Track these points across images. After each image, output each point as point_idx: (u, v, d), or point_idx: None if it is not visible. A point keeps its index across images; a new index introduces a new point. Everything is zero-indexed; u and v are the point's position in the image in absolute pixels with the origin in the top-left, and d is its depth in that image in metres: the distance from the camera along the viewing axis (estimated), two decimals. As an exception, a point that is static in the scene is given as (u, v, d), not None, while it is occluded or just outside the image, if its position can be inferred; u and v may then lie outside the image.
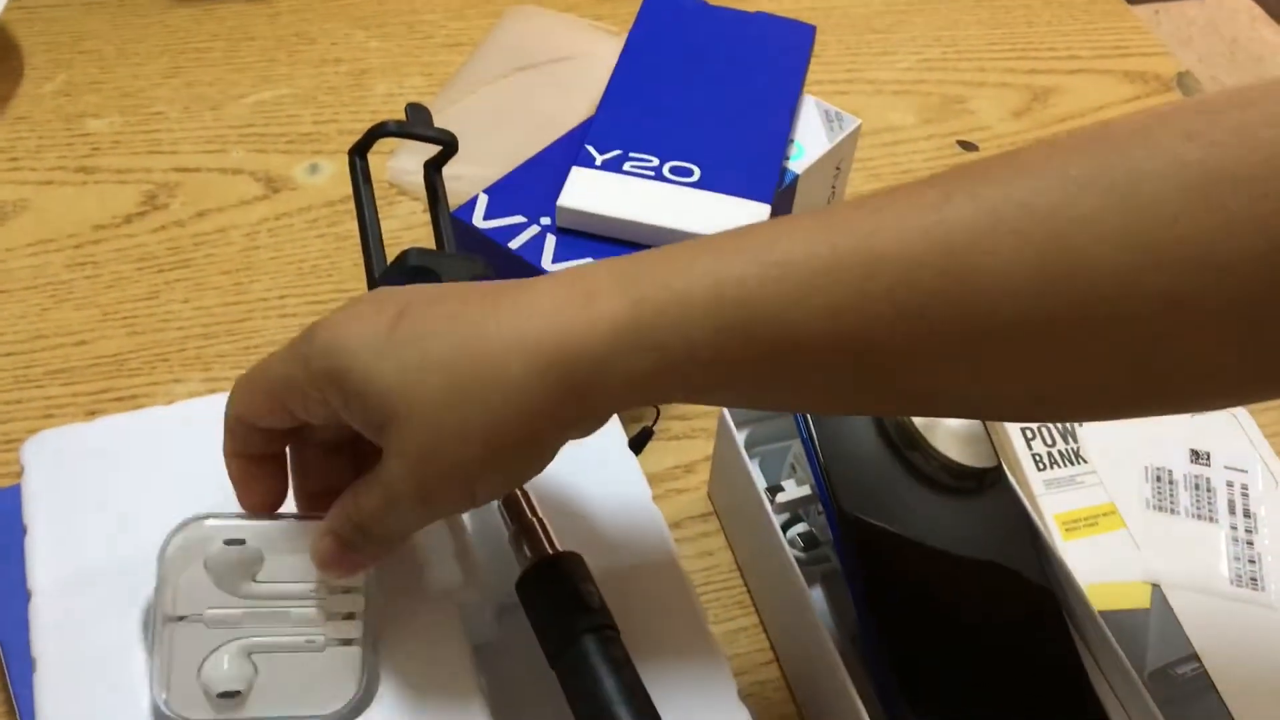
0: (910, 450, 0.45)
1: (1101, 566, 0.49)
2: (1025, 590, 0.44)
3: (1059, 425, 0.53)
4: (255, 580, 0.37)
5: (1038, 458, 0.52)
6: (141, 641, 0.37)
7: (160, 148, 0.65)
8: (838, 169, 0.62)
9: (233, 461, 0.38)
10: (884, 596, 0.42)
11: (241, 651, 0.37)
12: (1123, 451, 0.53)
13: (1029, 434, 0.53)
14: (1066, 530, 0.50)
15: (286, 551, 0.38)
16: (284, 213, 0.62)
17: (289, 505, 0.39)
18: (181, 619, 0.36)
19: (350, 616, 0.38)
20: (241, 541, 0.37)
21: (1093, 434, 0.53)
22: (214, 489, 0.41)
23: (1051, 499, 0.51)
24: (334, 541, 0.36)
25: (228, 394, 0.37)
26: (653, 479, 0.52)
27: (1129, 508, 0.51)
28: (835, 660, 0.41)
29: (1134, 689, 0.41)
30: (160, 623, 0.36)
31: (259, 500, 0.38)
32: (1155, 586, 0.48)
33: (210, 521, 0.38)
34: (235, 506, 0.40)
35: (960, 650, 0.42)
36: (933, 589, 0.43)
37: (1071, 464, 0.52)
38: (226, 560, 0.37)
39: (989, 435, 0.47)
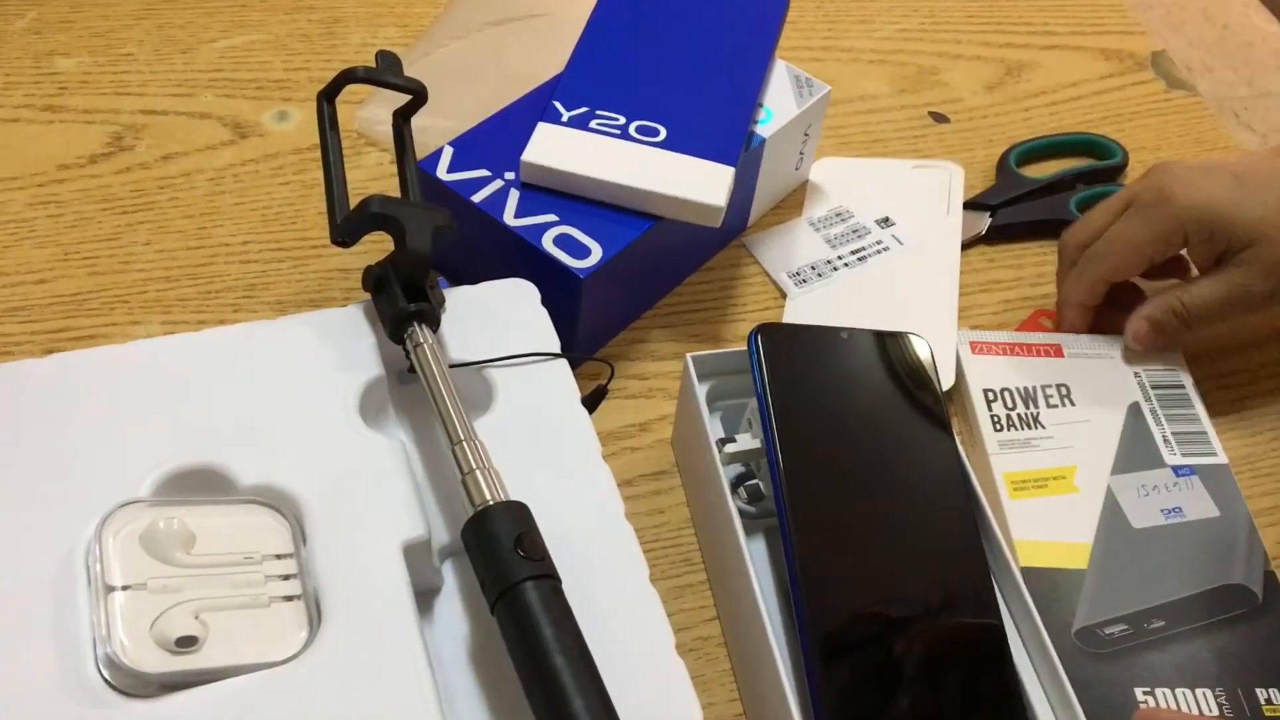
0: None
1: (1044, 527, 0.49)
2: (951, 550, 0.44)
3: (1020, 389, 0.54)
4: (190, 554, 0.38)
5: (995, 419, 0.53)
6: (86, 588, 0.37)
7: (128, 89, 0.64)
8: (806, 135, 0.62)
9: (1079, 310, 0.57)
10: (812, 551, 0.42)
11: (190, 611, 0.37)
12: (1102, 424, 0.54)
13: (990, 396, 0.54)
14: (1014, 489, 0.51)
15: (217, 528, 0.39)
16: (250, 159, 0.62)
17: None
18: (125, 588, 0.37)
19: (288, 578, 0.39)
20: (173, 520, 0.38)
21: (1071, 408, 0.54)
22: (164, 427, 0.41)
23: (1004, 459, 0.52)
24: (1149, 324, 0.55)
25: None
26: (608, 436, 0.53)
27: (1090, 476, 0.52)
28: (760, 611, 0.42)
29: (1043, 647, 0.43)
30: (102, 591, 0.36)
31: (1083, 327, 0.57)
32: (1094, 547, 0.49)
33: (139, 505, 0.39)
34: (186, 446, 0.41)
35: (877, 609, 0.42)
36: (861, 545, 0.43)
37: (1029, 428, 0.53)
38: (161, 536, 0.38)
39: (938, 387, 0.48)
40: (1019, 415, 0.53)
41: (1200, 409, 0.54)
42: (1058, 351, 0.56)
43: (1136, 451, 0.53)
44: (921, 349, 0.50)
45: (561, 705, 0.35)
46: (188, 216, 0.59)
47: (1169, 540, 0.50)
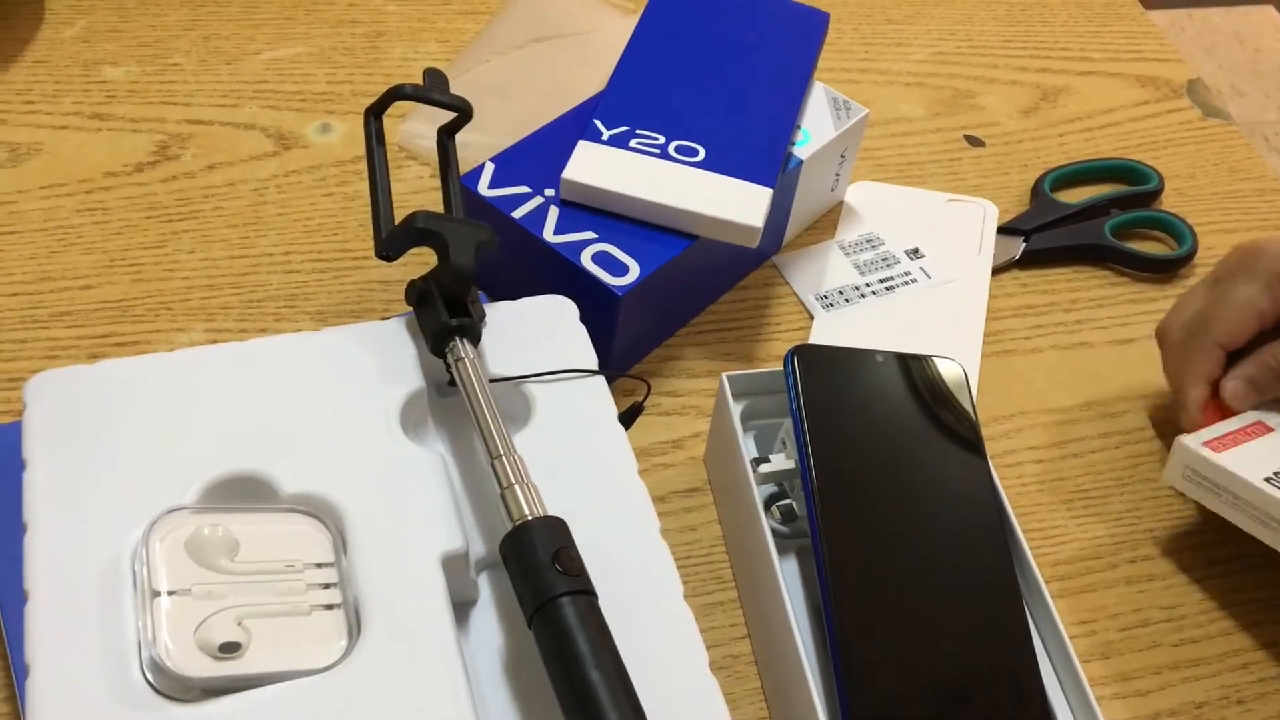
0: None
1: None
2: (983, 573, 0.45)
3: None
4: (234, 561, 0.39)
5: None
6: (133, 592, 0.38)
7: (175, 99, 0.65)
8: (843, 157, 0.62)
9: (1200, 387, 0.53)
10: (845, 572, 0.43)
11: (233, 618, 0.38)
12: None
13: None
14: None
15: (261, 536, 0.40)
16: (293, 170, 0.63)
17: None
18: (171, 594, 0.37)
19: (328, 586, 0.39)
20: (218, 527, 0.39)
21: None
22: (209, 434, 0.42)
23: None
24: (1245, 383, 0.53)
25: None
26: (641, 452, 0.53)
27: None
28: (792, 629, 0.42)
29: (1074, 674, 0.43)
30: (147, 596, 0.37)
31: (1208, 412, 0.54)
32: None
33: (184, 512, 0.39)
34: (231, 453, 0.41)
35: (910, 631, 0.43)
36: (894, 567, 0.44)
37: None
38: (206, 543, 0.39)
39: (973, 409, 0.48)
40: None
41: None
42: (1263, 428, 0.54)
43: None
44: (955, 372, 0.50)
45: (597, 718, 0.35)
46: (231, 226, 0.60)
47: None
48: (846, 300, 0.61)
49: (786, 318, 0.60)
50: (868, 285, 0.62)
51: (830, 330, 0.60)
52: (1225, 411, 0.54)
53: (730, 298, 0.61)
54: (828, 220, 0.65)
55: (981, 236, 0.65)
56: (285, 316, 0.56)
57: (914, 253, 0.63)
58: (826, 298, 0.61)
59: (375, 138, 0.49)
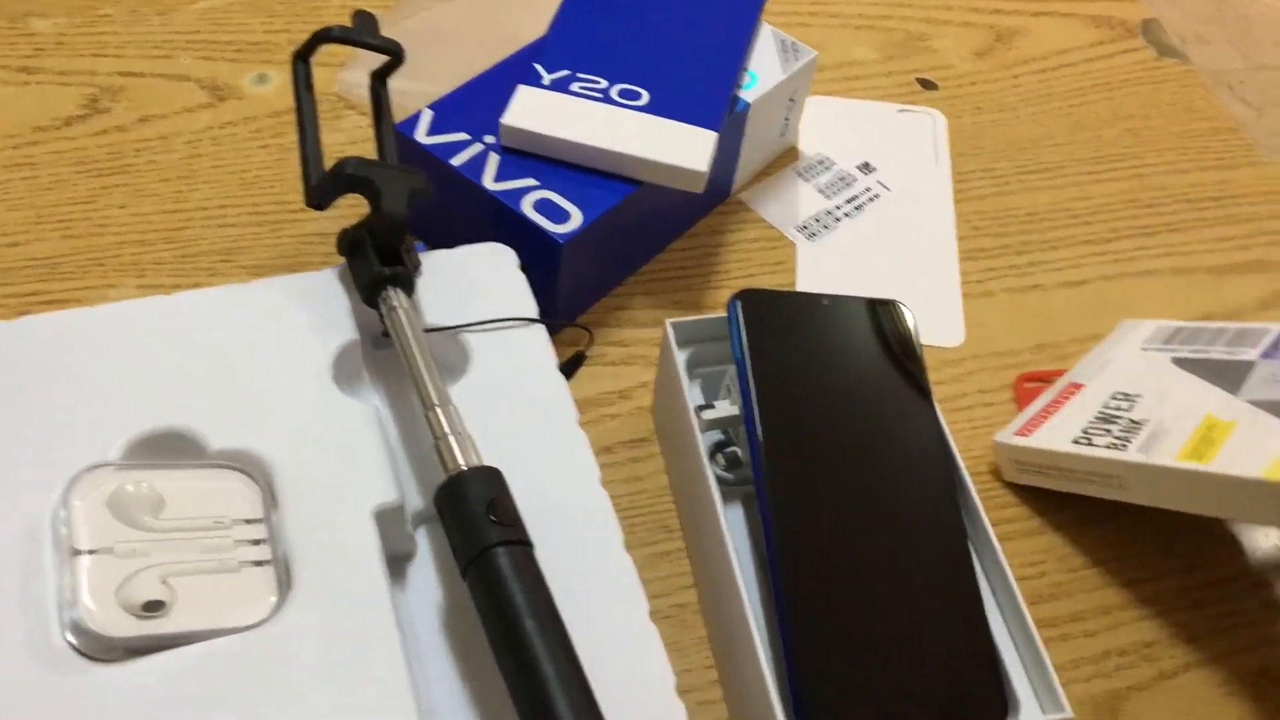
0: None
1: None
2: (930, 517, 0.44)
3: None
4: (158, 518, 0.38)
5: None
6: (54, 552, 0.37)
7: (105, 51, 0.63)
8: (792, 100, 0.61)
9: None
10: (789, 518, 0.42)
11: (157, 576, 0.37)
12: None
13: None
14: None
15: (187, 492, 0.38)
16: (229, 122, 0.61)
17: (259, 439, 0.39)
18: (92, 552, 0.36)
19: (258, 542, 0.38)
20: (142, 484, 0.38)
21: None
22: (134, 390, 0.41)
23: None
24: None
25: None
26: (587, 403, 0.53)
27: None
28: (736, 577, 0.41)
29: (1020, 615, 0.43)
30: (68, 555, 0.36)
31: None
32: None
33: (107, 469, 0.38)
34: (156, 409, 0.40)
35: (855, 576, 0.42)
36: (839, 512, 0.43)
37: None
38: (129, 500, 0.37)
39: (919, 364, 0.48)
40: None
41: None
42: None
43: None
44: (905, 316, 0.49)
45: (532, 670, 0.35)
46: (164, 180, 0.58)
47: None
48: (825, 227, 0.61)
49: (739, 264, 0.59)
50: (838, 208, 0.62)
51: (816, 259, 0.60)
52: (1036, 391, 0.54)
53: (681, 245, 0.60)
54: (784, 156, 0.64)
55: (935, 146, 0.65)
56: (220, 271, 0.55)
57: (865, 167, 0.63)
58: (806, 227, 0.61)
59: (303, 83, 0.47)
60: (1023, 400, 0.54)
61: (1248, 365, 0.48)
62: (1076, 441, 0.48)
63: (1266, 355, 0.48)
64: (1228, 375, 0.48)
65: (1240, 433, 0.45)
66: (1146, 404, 0.48)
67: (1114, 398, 0.50)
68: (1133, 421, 0.47)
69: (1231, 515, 0.45)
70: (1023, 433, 0.50)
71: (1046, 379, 0.55)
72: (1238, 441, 0.44)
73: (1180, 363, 0.51)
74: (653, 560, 0.48)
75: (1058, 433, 0.49)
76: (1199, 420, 0.46)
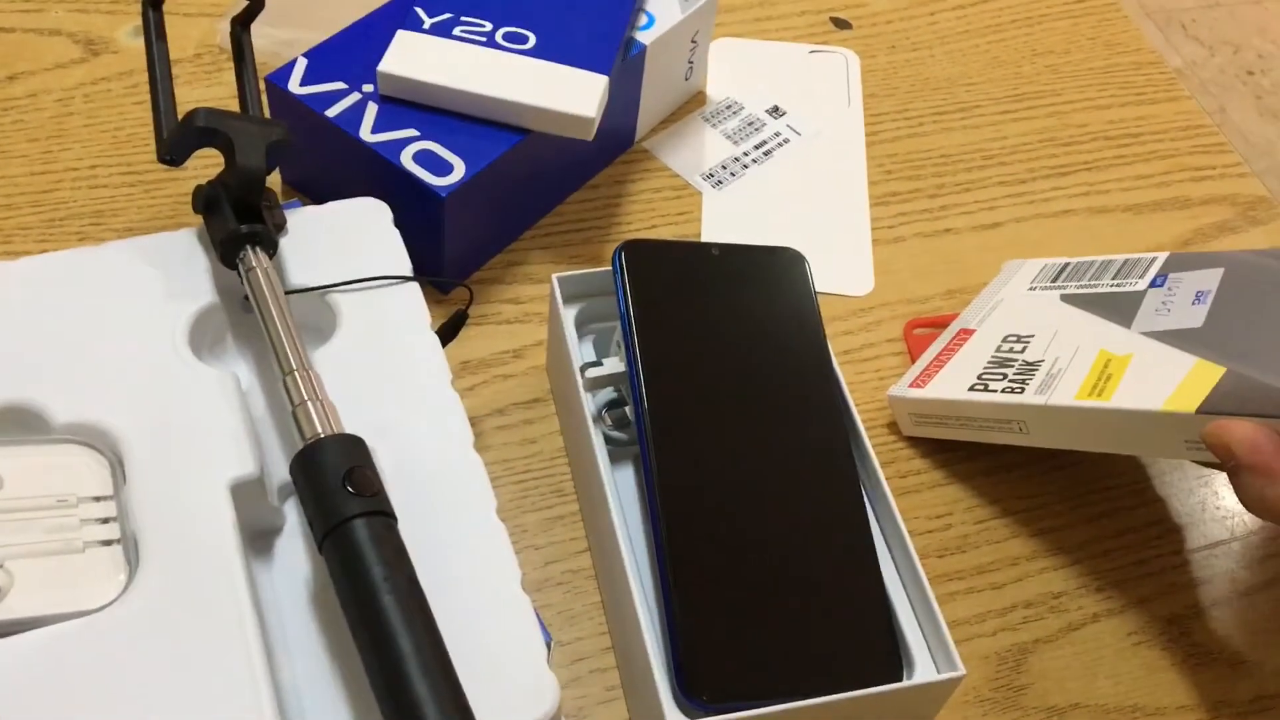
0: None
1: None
2: (823, 469, 0.43)
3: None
4: None
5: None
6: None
7: (-29, 5, 0.60)
8: (694, 43, 0.59)
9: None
10: (675, 477, 0.40)
11: None
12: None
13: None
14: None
15: (28, 470, 0.36)
16: (103, 77, 0.58)
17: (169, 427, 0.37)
18: None
19: (106, 521, 0.36)
20: None
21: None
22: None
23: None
24: (1269, 436, 0.38)
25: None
26: (480, 364, 0.51)
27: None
28: (618, 540, 0.40)
29: (912, 567, 0.41)
30: None
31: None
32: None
33: None
34: (12, 379, 0.38)
35: (744, 535, 0.40)
36: (728, 470, 0.41)
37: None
38: None
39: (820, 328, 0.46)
40: None
41: None
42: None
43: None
44: (800, 264, 0.47)
45: (388, 646, 0.33)
46: (32, 140, 0.55)
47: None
48: (732, 174, 0.59)
49: (642, 215, 0.57)
50: (746, 155, 0.60)
51: (722, 208, 0.58)
52: (927, 339, 0.52)
53: (580, 197, 0.57)
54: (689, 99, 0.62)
55: (849, 88, 0.63)
56: (90, 235, 0.52)
57: (774, 111, 0.61)
58: (712, 175, 0.59)
59: (154, 30, 0.44)
60: (914, 349, 0.53)
61: (1138, 295, 0.47)
62: (973, 389, 0.46)
63: (1155, 284, 0.47)
64: (1118, 308, 0.47)
65: (1137, 365, 0.43)
66: (1039, 344, 0.47)
67: (1006, 340, 0.48)
68: (1027, 363, 0.46)
69: (1137, 451, 0.44)
70: (917, 384, 0.49)
71: (936, 324, 0.54)
72: (1135, 375, 0.43)
73: (1069, 299, 0.49)
74: (547, 525, 0.46)
75: (952, 381, 0.47)
76: (1094, 356, 0.44)
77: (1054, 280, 0.51)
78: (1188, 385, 0.41)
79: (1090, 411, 0.43)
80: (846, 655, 0.39)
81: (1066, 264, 0.52)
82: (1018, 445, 0.46)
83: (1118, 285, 0.48)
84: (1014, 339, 0.48)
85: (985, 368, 0.47)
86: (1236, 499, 0.40)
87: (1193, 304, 0.45)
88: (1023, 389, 0.45)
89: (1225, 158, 0.63)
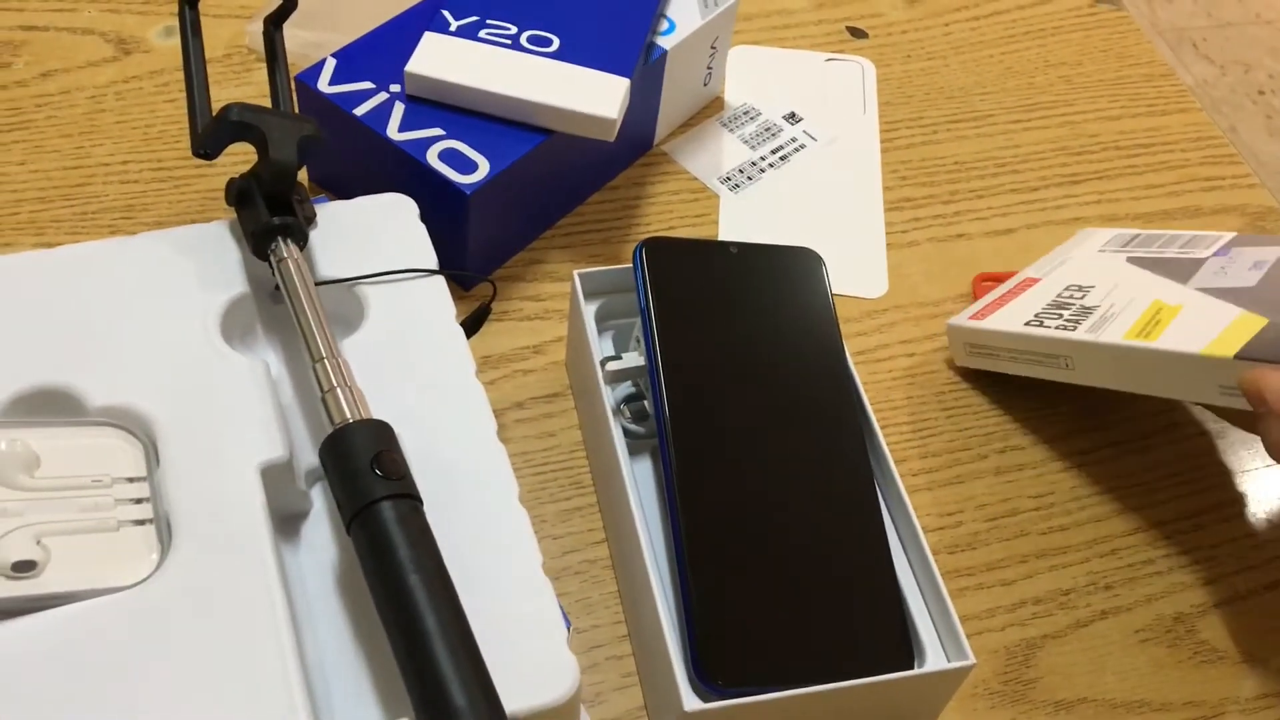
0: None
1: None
2: (837, 464, 0.43)
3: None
4: (33, 477, 0.36)
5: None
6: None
7: (7, 4, 0.61)
8: (713, 49, 0.60)
9: None
10: (692, 470, 0.41)
11: (30, 535, 0.35)
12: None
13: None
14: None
15: (65, 451, 0.37)
16: (134, 75, 0.59)
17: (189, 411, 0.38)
18: None
19: (140, 501, 0.37)
20: (16, 442, 0.36)
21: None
22: (10, 347, 0.40)
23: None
24: None
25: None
26: (500, 358, 0.52)
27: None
28: (637, 530, 0.41)
29: (924, 560, 0.42)
30: None
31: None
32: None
33: None
34: (33, 366, 0.39)
35: (759, 529, 0.41)
36: (744, 464, 0.42)
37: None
38: (1, 458, 0.36)
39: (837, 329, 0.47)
40: None
41: None
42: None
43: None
44: (814, 263, 0.48)
45: (415, 625, 0.34)
46: (65, 135, 0.56)
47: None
48: (749, 178, 0.60)
49: (660, 216, 0.58)
50: (763, 159, 0.61)
51: (739, 211, 0.59)
52: (994, 282, 0.56)
53: (600, 198, 0.58)
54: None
55: (864, 95, 0.64)
56: (121, 228, 0.53)
57: (791, 117, 0.62)
58: (729, 179, 0.60)
59: (190, 28, 0.46)
60: (979, 295, 0.55)
61: (1200, 261, 0.50)
62: (1028, 324, 0.49)
63: (1218, 255, 0.50)
64: (1179, 271, 0.50)
65: (1186, 314, 0.46)
66: (1099, 293, 0.50)
67: (1067, 289, 0.51)
68: (1084, 308, 0.49)
69: (1174, 393, 0.46)
70: (976, 317, 0.52)
71: (1004, 280, 0.56)
72: (1182, 321, 0.45)
73: (1135, 260, 0.52)
74: (565, 515, 0.47)
75: (1011, 317, 0.50)
76: (1147, 304, 0.47)
77: (1124, 245, 0.54)
78: (1230, 333, 0.43)
79: (1134, 350, 0.45)
80: (859, 643, 0.40)
81: (1138, 234, 0.55)
82: (1060, 382, 0.48)
83: (1183, 253, 0.51)
84: (1075, 288, 0.51)
85: (1044, 309, 0.50)
86: (1265, 450, 0.42)
87: (1249, 269, 0.48)
88: (1075, 328, 0.47)
89: (1235, 168, 0.64)
